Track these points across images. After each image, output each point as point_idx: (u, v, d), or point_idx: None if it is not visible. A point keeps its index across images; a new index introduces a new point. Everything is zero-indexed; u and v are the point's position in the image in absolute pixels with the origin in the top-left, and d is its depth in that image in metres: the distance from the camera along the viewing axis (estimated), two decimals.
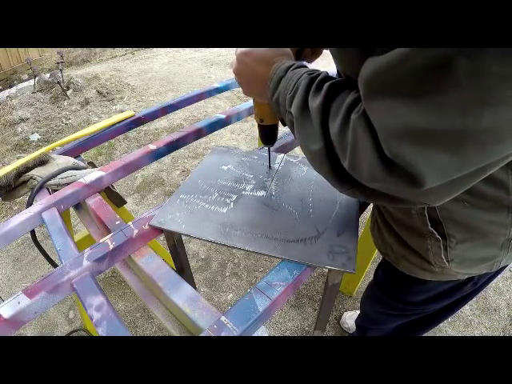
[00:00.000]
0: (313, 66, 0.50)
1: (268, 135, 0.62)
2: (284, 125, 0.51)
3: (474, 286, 0.57)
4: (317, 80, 0.36)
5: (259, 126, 0.60)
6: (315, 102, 0.34)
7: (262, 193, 0.65)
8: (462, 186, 0.29)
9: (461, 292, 0.59)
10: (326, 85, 0.35)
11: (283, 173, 0.71)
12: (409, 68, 0.23)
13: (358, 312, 1.25)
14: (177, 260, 0.69)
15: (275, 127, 0.60)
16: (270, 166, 0.72)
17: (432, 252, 0.49)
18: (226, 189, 0.67)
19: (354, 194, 0.37)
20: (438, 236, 0.47)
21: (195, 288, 0.86)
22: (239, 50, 0.47)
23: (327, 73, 0.38)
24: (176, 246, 0.65)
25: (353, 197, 0.40)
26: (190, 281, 0.78)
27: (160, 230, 0.61)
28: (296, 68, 0.41)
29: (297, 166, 0.74)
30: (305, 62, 0.51)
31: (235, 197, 0.64)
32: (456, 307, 0.68)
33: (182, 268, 0.71)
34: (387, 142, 0.27)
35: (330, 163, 0.35)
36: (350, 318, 1.23)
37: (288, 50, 0.47)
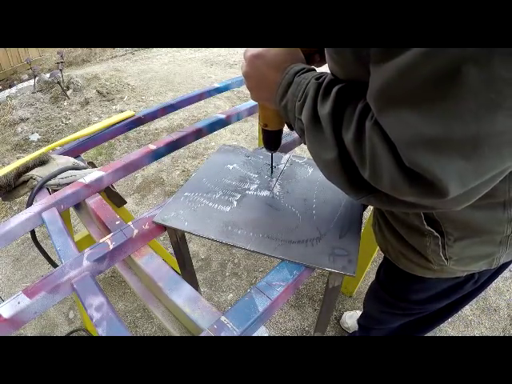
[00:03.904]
0: (318, 69, 0.49)
1: (272, 141, 0.59)
2: (291, 129, 0.49)
3: (475, 284, 0.57)
4: (323, 85, 0.35)
5: (263, 130, 0.57)
6: (325, 110, 0.33)
7: (265, 193, 0.66)
8: (480, 191, 0.29)
9: (462, 291, 0.59)
10: (334, 90, 0.34)
11: (288, 173, 0.71)
12: (418, 78, 0.23)
13: (358, 312, 1.25)
14: (179, 257, 0.70)
15: (280, 133, 0.57)
16: (272, 171, 0.72)
17: (430, 249, 0.49)
18: (231, 188, 0.67)
19: (369, 201, 0.36)
20: (436, 234, 0.47)
21: (198, 285, 0.86)
22: (250, 51, 0.43)
23: (332, 75, 0.37)
24: (179, 243, 0.65)
25: (367, 204, 0.38)
26: (193, 278, 0.78)
27: (160, 230, 0.61)
28: (304, 72, 0.39)
29: (302, 166, 0.74)
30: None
31: (239, 196, 0.65)
32: (458, 307, 0.68)
33: (185, 265, 0.72)
34: (405, 153, 0.26)
35: (345, 172, 0.34)
36: (350, 318, 1.23)
37: (300, 54, 0.44)
